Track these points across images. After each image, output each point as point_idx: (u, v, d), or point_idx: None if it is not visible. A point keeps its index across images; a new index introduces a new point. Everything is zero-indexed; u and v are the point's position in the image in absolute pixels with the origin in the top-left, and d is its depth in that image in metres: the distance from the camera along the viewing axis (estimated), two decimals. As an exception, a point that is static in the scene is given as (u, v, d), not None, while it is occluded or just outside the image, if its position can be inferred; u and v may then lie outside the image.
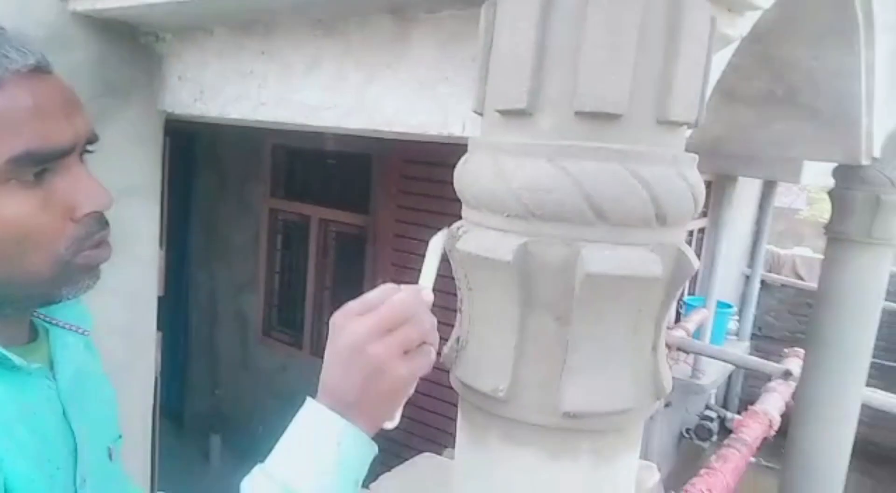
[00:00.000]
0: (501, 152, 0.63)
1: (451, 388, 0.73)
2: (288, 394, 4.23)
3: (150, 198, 1.41)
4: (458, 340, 0.72)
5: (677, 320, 5.39)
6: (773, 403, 3.33)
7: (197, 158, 4.88)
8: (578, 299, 0.61)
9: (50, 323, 0.70)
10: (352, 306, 0.62)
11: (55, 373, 0.66)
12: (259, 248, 4.77)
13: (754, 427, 3.01)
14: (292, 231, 4.69)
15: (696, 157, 0.67)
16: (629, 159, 0.59)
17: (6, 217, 0.55)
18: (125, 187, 1.33)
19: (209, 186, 4.87)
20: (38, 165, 0.56)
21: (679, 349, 4.58)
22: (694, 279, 6.54)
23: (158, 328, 1.56)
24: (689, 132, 0.68)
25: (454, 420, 0.76)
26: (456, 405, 0.75)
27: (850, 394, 2.60)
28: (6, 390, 0.58)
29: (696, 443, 6.01)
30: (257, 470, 0.60)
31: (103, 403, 0.75)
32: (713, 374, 5.52)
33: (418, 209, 3.56)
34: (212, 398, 5.20)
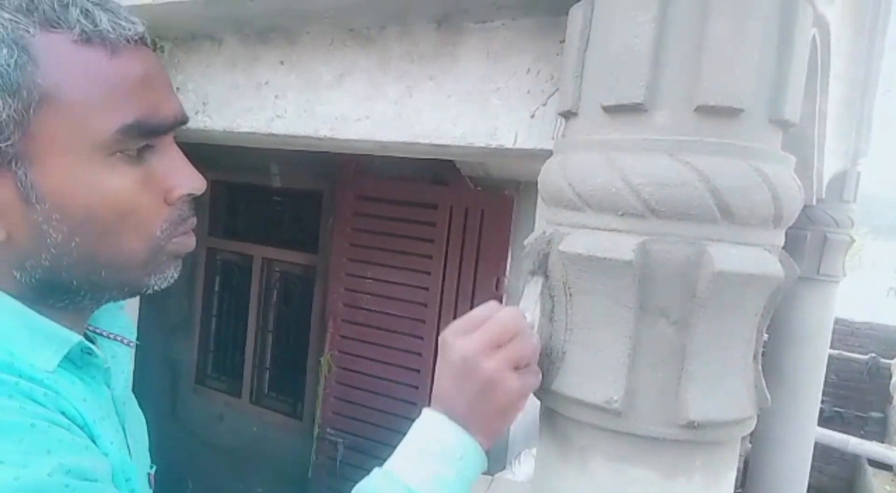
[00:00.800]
0: (615, 149, 0.61)
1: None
2: (225, 446, 3.97)
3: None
4: (549, 352, 0.67)
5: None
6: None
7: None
8: (701, 300, 0.58)
9: (96, 333, 0.65)
10: (459, 324, 0.64)
11: (110, 382, 0.62)
12: (195, 289, 4.52)
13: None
14: (232, 271, 4.49)
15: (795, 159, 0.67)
16: (752, 156, 0.58)
17: (109, 191, 0.52)
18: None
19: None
20: (145, 138, 0.54)
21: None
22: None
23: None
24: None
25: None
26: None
27: (804, 432, 2.69)
28: (85, 389, 0.56)
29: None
30: (378, 472, 0.60)
31: (142, 424, 0.72)
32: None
33: (373, 247, 3.49)
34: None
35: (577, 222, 0.64)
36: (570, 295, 0.64)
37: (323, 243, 3.88)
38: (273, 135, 1.09)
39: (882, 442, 6.33)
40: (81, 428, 0.53)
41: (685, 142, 0.58)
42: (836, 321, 8.18)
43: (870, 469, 6.33)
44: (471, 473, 0.60)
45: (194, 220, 0.60)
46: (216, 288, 4.57)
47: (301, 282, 4.14)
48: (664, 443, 0.61)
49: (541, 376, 0.64)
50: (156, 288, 0.59)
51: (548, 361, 0.67)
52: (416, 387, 3.32)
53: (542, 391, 0.68)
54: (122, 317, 0.70)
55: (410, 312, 3.37)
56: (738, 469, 3.08)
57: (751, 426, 0.64)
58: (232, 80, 1.13)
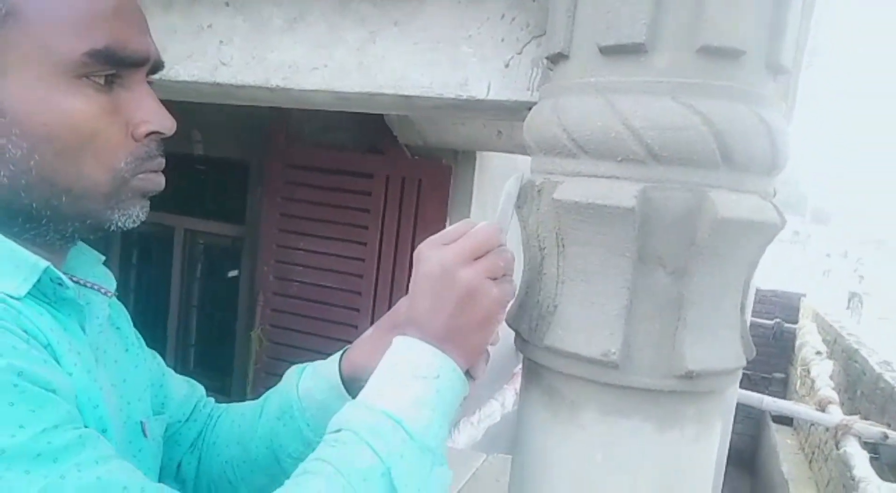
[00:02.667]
0: (614, 92, 0.58)
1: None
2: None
3: None
4: (537, 305, 0.65)
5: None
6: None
7: None
8: (699, 248, 0.57)
9: (72, 281, 0.60)
10: (435, 238, 0.62)
11: (85, 324, 0.60)
12: (111, 262, 4.26)
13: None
14: (151, 243, 4.25)
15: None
16: (753, 101, 0.57)
17: (70, 111, 0.52)
18: None
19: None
20: (113, 67, 0.54)
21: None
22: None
23: None
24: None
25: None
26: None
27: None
28: (54, 322, 0.54)
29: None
30: (349, 406, 0.57)
31: (132, 374, 0.68)
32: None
33: (305, 218, 3.38)
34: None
35: (571, 170, 0.61)
36: (563, 246, 0.62)
37: (250, 214, 3.72)
38: (217, 84, 1.00)
39: (783, 399, 6.83)
40: (44, 348, 0.51)
41: (687, 84, 0.56)
42: (745, 289, 8.73)
43: (773, 425, 6.83)
44: (450, 394, 0.58)
45: (162, 161, 0.59)
46: (134, 261, 4.32)
47: (227, 254, 3.97)
48: (659, 394, 0.59)
49: (516, 286, 0.63)
50: (120, 226, 0.57)
51: (536, 315, 0.64)
52: (352, 359, 3.27)
53: (530, 346, 0.65)
54: (100, 268, 0.68)
55: (346, 283, 3.30)
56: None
57: (739, 376, 0.64)
58: (167, 22, 1.02)
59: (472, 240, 0.60)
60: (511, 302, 0.63)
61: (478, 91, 0.85)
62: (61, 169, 0.53)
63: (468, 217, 3.33)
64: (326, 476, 0.50)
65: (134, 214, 0.58)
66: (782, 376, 7.77)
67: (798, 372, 6.87)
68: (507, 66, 0.83)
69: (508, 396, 3.37)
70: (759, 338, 7.84)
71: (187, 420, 0.79)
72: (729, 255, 0.58)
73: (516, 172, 0.68)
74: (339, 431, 0.54)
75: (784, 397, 7.24)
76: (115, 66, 0.54)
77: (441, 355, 0.58)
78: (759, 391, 7.10)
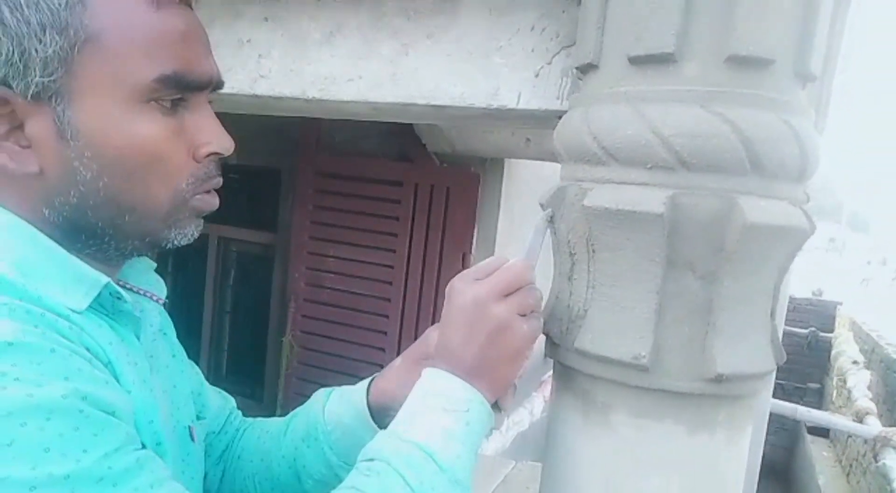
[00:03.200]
0: (643, 101, 0.59)
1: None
2: (183, 429, 3.85)
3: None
4: (568, 311, 0.66)
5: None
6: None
7: None
8: (729, 253, 0.58)
9: (126, 288, 0.64)
10: (469, 272, 0.64)
11: (140, 333, 0.62)
12: (147, 270, 4.37)
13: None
14: (187, 252, 4.35)
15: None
16: (781, 109, 0.58)
17: (140, 135, 0.54)
18: None
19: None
20: (180, 91, 0.56)
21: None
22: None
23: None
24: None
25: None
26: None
27: (762, 400, 2.80)
28: (113, 334, 0.56)
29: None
30: (381, 435, 0.59)
31: (179, 380, 0.70)
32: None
33: (335, 225, 3.43)
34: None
35: (601, 177, 0.63)
36: (594, 251, 0.63)
37: (282, 222, 3.79)
38: (256, 96, 1.04)
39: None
40: (105, 366, 0.53)
41: (716, 92, 0.57)
42: (779, 298, 8.55)
43: (808, 437, 6.68)
44: (479, 426, 0.59)
45: (220, 180, 0.61)
46: (169, 269, 4.43)
47: (260, 261, 4.04)
48: (689, 398, 0.60)
49: (542, 323, 0.64)
50: (175, 243, 0.60)
51: (567, 320, 0.66)
52: (381, 366, 3.29)
53: (562, 350, 0.66)
54: (152, 275, 0.70)
55: (375, 290, 3.33)
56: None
57: (770, 380, 0.64)
58: (210, 37, 1.06)
59: (505, 276, 0.62)
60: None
61: (509, 100, 0.87)
62: (128, 190, 0.55)
63: (496, 225, 3.34)
64: None
65: (189, 233, 0.60)
66: (817, 386, 7.59)
67: (834, 382, 6.70)
68: (537, 75, 0.85)
69: (537, 403, 3.36)
70: (793, 347, 7.68)
71: (219, 432, 0.81)
72: (758, 260, 0.59)
73: (547, 210, 0.70)
74: (371, 460, 0.57)
75: (819, 409, 7.07)
76: (182, 90, 0.56)
77: (471, 388, 0.60)
78: (793, 402, 6.96)
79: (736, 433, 0.63)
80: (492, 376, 0.61)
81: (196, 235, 0.61)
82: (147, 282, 0.68)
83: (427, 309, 3.21)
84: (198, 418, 0.74)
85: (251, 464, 0.79)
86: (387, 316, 3.33)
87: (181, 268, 4.37)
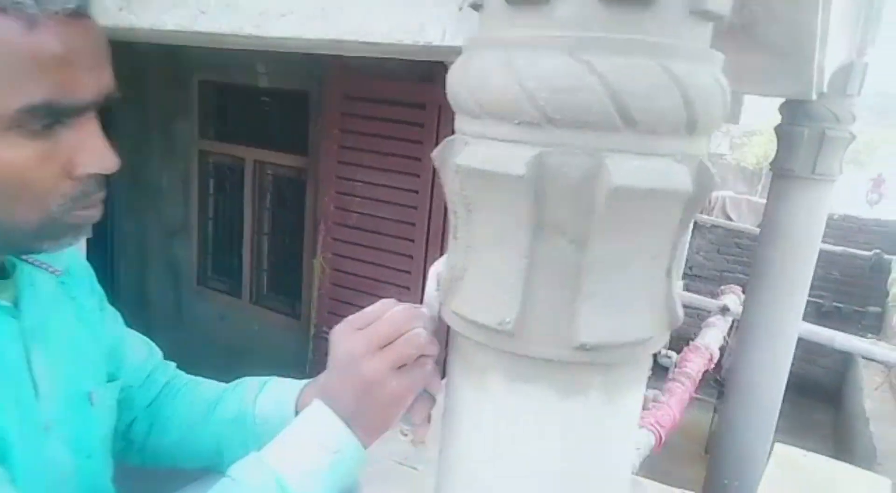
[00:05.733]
0: (512, 47, 0.54)
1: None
2: (227, 344, 4.10)
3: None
4: (451, 270, 0.64)
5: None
6: (712, 337, 3.47)
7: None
8: (599, 217, 0.53)
9: (19, 259, 0.66)
10: (351, 319, 0.66)
11: (20, 311, 0.64)
12: (190, 192, 4.51)
13: (696, 361, 3.13)
14: (225, 174, 4.45)
15: (724, 57, 0.60)
16: (662, 54, 0.51)
17: (2, 163, 0.52)
18: None
19: (132, 126, 4.53)
20: (53, 118, 0.53)
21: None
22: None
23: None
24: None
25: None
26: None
27: (789, 327, 2.71)
28: None
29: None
30: (254, 455, 0.62)
31: (84, 344, 0.73)
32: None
33: (361, 150, 3.42)
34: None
35: (478, 132, 0.58)
36: (469, 212, 0.60)
37: (313, 145, 3.80)
38: (198, 33, 1.02)
39: (877, 335, 6.44)
40: None
41: (590, 38, 0.51)
42: (844, 218, 8.09)
43: (861, 361, 6.49)
44: (345, 468, 0.62)
45: (102, 195, 0.60)
46: (211, 191, 4.55)
47: (293, 184, 4.11)
48: (558, 363, 0.58)
49: (429, 368, 0.66)
50: (51, 252, 0.61)
51: (449, 280, 0.64)
52: (408, 288, 3.36)
53: (446, 310, 0.65)
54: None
55: (401, 215, 3.35)
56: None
57: (655, 345, 0.61)
58: (153, -29, 1.03)
59: (381, 328, 0.63)
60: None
61: (434, 37, 0.82)
62: None
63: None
64: None
65: (66, 242, 0.60)
66: (878, 310, 7.29)
67: (891, 306, 6.43)
68: (460, 9, 0.79)
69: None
70: (854, 269, 7.35)
71: (141, 386, 0.85)
72: (634, 223, 0.55)
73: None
74: (232, 479, 0.60)
75: (878, 333, 6.84)
76: (55, 116, 0.53)
77: (346, 430, 0.63)
78: (851, 325, 6.74)
79: (614, 396, 0.61)
80: (367, 423, 0.64)
81: (75, 242, 0.60)
82: (44, 255, 0.69)
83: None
84: (112, 378, 0.77)
85: (178, 431, 0.84)
86: (412, 240, 3.35)
87: (221, 190, 4.50)
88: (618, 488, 0.64)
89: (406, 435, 0.67)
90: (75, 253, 0.79)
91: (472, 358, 0.63)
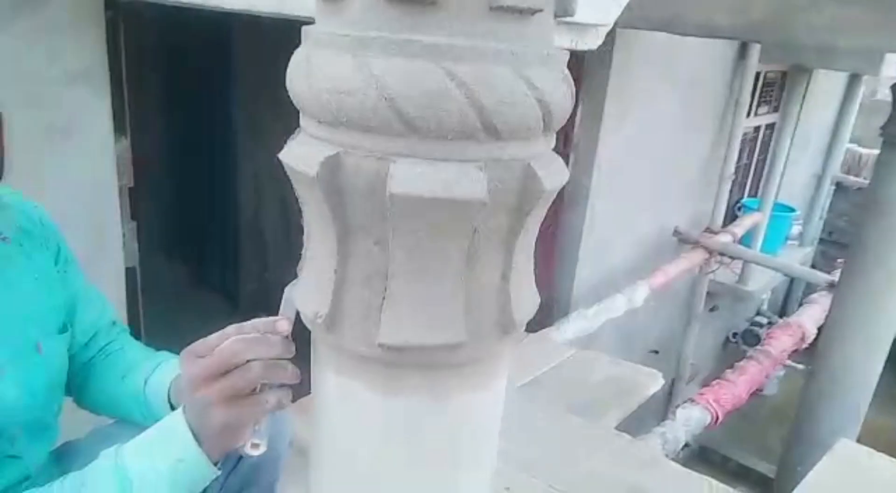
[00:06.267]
0: (314, 44, 0.53)
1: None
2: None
3: (97, 83, 1.36)
4: (300, 262, 0.66)
5: (728, 223, 5.13)
6: (810, 315, 3.17)
7: (232, 42, 4.75)
8: (394, 222, 0.53)
9: None
10: (196, 346, 0.70)
11: None
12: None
13: (783, 340, 2.89)
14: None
15: (564, 54, 0.55)
16: (445, 55, 0.49)
17: None
18: (62, 74, 1.28)
19: (249, 71, 4.81)
20: None
21: (721, 254, 4.38)
22: (756, 179, 6.13)
23: (134, 218, 1.58)
24: (551, 22, 0.55)
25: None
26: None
27: (888, 294, 2.43)
28: None
29: (742, 348, 5.90)
30: (110, 451, 0.70)
31: (35, 298, 0.83)
32: (763, 280, 5.30)
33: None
34: (261, 282, 5.44)
35: (304, 127, 0.59)
36: (300, 206, 0.61)
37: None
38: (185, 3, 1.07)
39: None
40: None
41: (371, 38, 0.50)
42: None
43: None
44: (186, 476, 0.68)
45: None
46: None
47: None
48: (376, 362, 0.59)
49: (266, 400, 0.68)
50: None
51: (297, 270, 0.66)
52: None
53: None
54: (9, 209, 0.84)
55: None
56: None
57: (481, 350, 0.59)
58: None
59: (213, 361, 0.67)
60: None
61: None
62: None
63: (603, 101, 3.04)
64: None
65: None
66: None
67: None
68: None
69: (640, 292, 3.23)
70: None
71: (85, 345, 0.95)
72: (430, 229, 0.53)
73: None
74: (86, 471, 0.70)
75: None
76: None
77: (192, 443, 0.68)
78: None
79: (440, 399, 0.61)
80: (207, 442, 0.69)
81: None
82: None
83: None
84: (62, 331, 0.88)
85: (98, 393, 0.95)
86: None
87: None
88: (451, 488, 0.65)
89: (257, 446, 0.70)
90: (36, 216, 0.90)
91: (316, 348, 0.65)
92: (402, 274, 0.55)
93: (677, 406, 2.30)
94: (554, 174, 0.56)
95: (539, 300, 0.67)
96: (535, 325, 3.09)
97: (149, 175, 3.71)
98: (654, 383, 2.38)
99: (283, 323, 0.68)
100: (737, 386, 2.42)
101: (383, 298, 0.56)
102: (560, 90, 0.54)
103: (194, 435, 0.68)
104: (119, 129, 1.45)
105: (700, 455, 5.52)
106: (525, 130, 0.52)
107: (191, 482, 0.70)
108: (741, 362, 2.67)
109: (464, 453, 0.65)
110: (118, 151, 1.46)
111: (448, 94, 0.49)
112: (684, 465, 1.89)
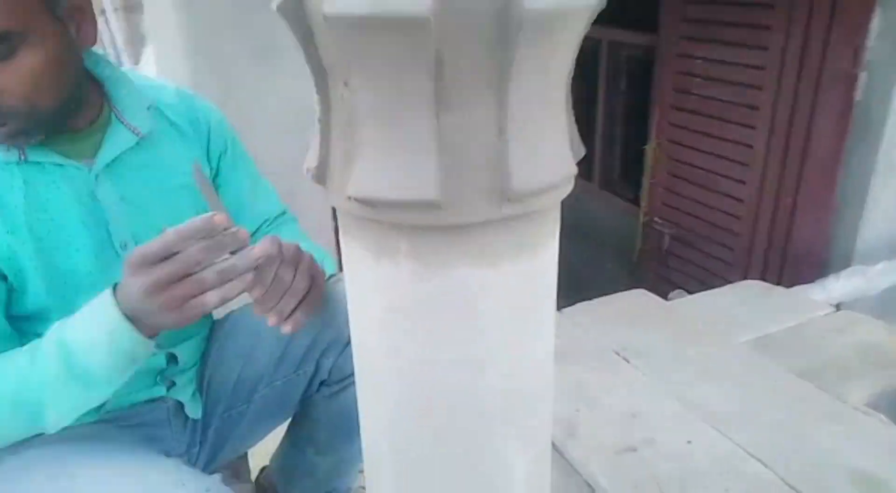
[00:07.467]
0: None
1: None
2: (579, 227, 4.26)
3: None
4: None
5: None
6: None
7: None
8: (346, 55, 0.47)
9: (117, 118, 0.85)
10: (145, 254, 0.70)
11: (96, 159, 0.82)
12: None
13: None
14: (580, 57, 4.43)
15: None
16: None
17: None
18: None
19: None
20: None
21: None
22: None
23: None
24: None
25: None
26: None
27: None
28: (22, 183, 0.79)
29: None
30: (63, 320, 0.75)
31: (169, 192, 0.91)
32: None
33: (706, 21, 3.00)
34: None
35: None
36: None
37: (663, 21, 3.47)
38: None
39: None
40: None
41: None
42: None
43: None
44: (121, 345, 0.71)
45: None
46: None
47: (642, 65, 3.85)
48: (370, 222, 0.55)
49: (204, 301, 0.71)
50: None
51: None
52: (744, 182, 2.93)
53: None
54: (183, 103, 0.94)
55: (741, 97, 2.87)
56: None
57: (455, 216, 0.51)
58: None
59: (150, 247, 0.68)
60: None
61: None
62: None
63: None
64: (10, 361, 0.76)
65: None
66: None
67: None
68: None
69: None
70: None
71: (253, 234, 1.00)
72: (384, 63, 0.46)
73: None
74: (35, 343, 0.76)
75: None
76: None
77: (120, 317, 0.71)
78: None
79: (428, 265, 0.54)
80: (145, 323, 0.72)
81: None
82: (138, 118, 0.88)
83: (801, 125, 2.62)
84: None
85: None
86: (754, 127, 2.87)
87: (576, 77, 4.49)
88: (450, 371, 0.58)
89: None
90: (198, 111, 0.97)
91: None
92: (370, 120, 0.50)
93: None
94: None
95: (571, 172, 0.55)
96: (795, 278, 2.63)
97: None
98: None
99: (220, 216, 0.69)
100: None
101: (355, 146, 0.51)
102: None
103: (126, 316, 0.71)
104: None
105: None
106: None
107: (127, 351, 0.72)
108: None
109: (450, 338, 0.57)
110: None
111: None
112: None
